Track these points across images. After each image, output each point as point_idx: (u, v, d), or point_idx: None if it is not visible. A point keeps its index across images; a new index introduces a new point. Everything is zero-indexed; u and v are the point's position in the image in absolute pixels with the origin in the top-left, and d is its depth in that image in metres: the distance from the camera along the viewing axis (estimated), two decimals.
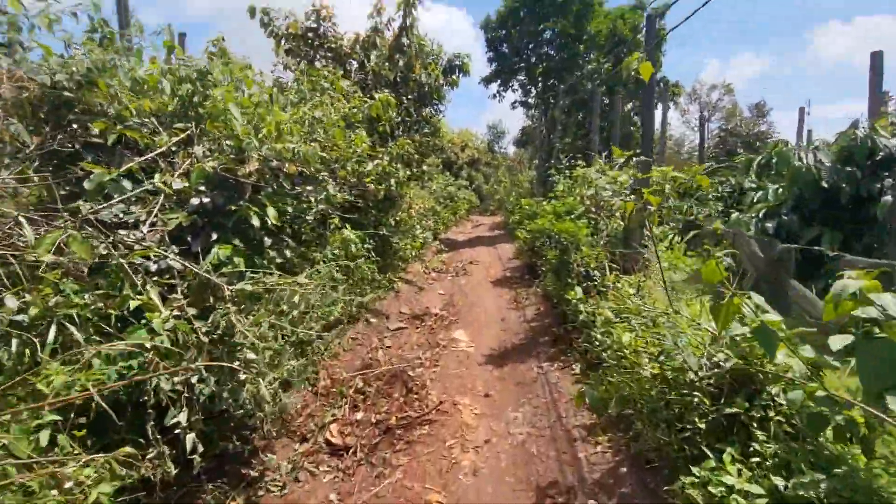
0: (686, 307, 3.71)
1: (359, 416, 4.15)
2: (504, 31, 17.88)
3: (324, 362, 5.17)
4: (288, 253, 3.93)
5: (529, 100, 19.10)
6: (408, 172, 7.42)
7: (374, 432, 3.93)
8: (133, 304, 2.69)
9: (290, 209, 4.21)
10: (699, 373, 2.59)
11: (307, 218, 4.60)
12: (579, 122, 17.61)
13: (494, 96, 19.19)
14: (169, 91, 3.71)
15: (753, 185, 8.99)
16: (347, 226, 5.52)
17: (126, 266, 2.78)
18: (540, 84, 18.21)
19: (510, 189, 23.36)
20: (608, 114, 15.71)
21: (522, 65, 18.41)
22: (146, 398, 2.64)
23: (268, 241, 4.04)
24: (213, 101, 3.66)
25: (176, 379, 2.77)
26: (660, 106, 18.81)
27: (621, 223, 6.30)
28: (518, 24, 17.40)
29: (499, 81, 18.90)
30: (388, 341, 6.35)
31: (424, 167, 12.48)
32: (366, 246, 7.37)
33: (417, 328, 6.99)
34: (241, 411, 2.80)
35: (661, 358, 2.91)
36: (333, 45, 8.04)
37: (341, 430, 3.89)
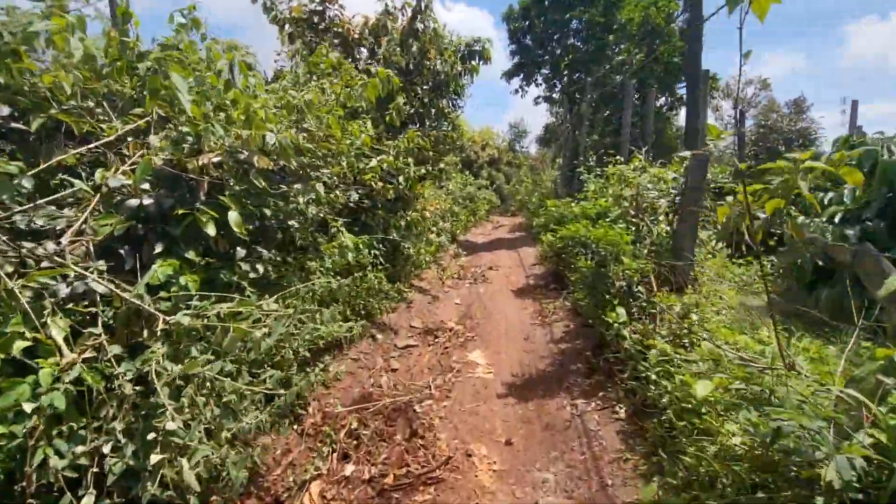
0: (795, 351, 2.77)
1: (349, 469, 3.34)
2: (527, 22, 16.90)
3: (315, 391, 4.40)
4: (261, 267, 3.16)
5: (554, 95, 18.07)
6: (421, 171, 6.64)
7: (366, 494, 3.12)
8: (18, 346, 1.94)
9: (268, 212, 3.44)
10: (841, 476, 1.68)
11: (294, 223, 3.82)
12: (607, 117, 16.51)
13: (517, 91, 18.24)
14: (108, 64, 2.98)
15: (811, 186, 7.88)
16: (343, 231, 4.73)
17: (16, 291, 2.03)
18: (565, 78, 17.17)
19: (532, 189, 22.34)
20: (640, 108, 14.62)
21: (547, 57, 17.39)
22: (34, 478, 1.89)
23: (241, 252, 3.28)
24: (156, 73, 2.91)
25: (79, 449, 2.00)
26: None
27: (667, 229, 5.34)
28: (543, 14, 16.41)
29: (521, 76, 17.92)
30: (395, 362, 5.55)
31: (441, 165, 11.68)
32: (373, 252, 6.61)
33: (430, 345, 6.17)
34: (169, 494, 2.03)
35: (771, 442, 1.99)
36: (340, 30, 7.28)
37: (324, 492, 3.09)
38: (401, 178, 5.42)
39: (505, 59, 18.37)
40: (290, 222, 3.67)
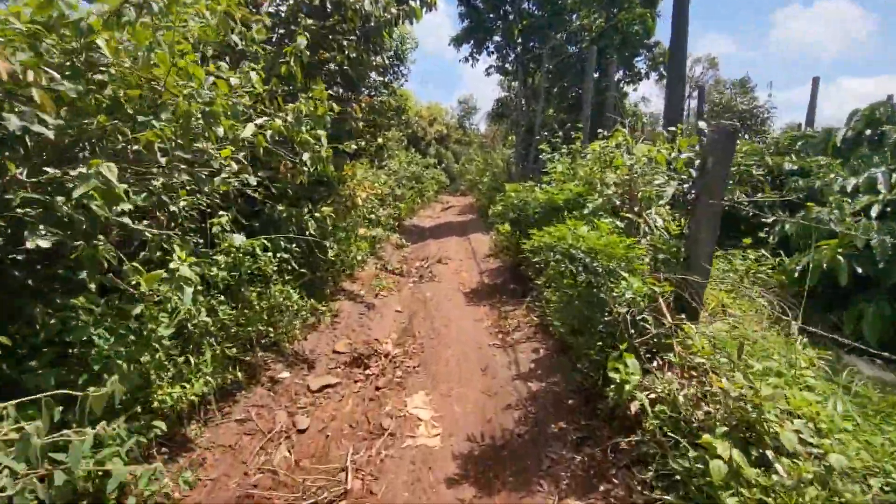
0: None
1: None
2: None
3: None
4: None
5: (507, 65, 16.48)
6: (352, 146, 4.94)
7: None
8: None
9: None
10: None
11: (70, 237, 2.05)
12: (563, 90, 15.22)
13: (466, 60, 16.44)
14: None
15: (795, 168, 6.90)
16: (229, 229, 3.00)
17: None
18: (519, 46, 15.60)
19: (483, 169, 20.93)
20: (599, 81, 13.38)
21: (499, 23, 15.71)
22: None
23: None
24: None
25: None
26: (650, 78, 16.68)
27: (674, 226, 4.00)
28: None
29: (472, 42, 16.15)
30: (303, 418, 3.92)
31: (380, 141, 9.90)
32: (280, 256, 4.86)
33: (356, 383, 4.58)
34: None
35: None
36: None
37: None
38: (306, 157, 3.69)
39: (455, 22, 16.32)
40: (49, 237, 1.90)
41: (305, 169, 3.78)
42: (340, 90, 7.17)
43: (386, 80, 11.31)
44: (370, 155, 9.05)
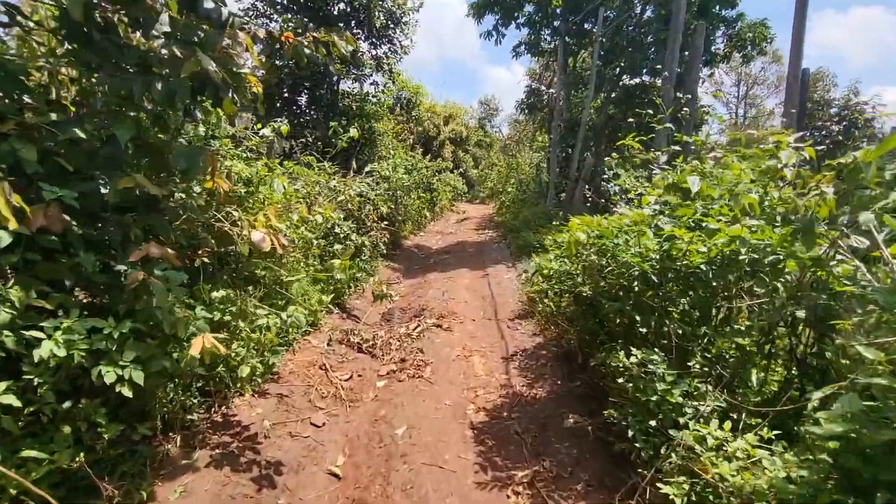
0: None
1: None
2: None
3: None
4: None
5: (542, 42, 12.83)
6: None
7: None
8: None
9: None
10: None
11: None
12: (621, 70, 11.47)
13: (489, 35, 12.82)
14: None
15: None
16: None
17: None
18: (559, 17, 11.97)
19: (507, 174, 17.29)
20: (689, 44, 9.47)
21: None
22: None
23: None
24: None
25: None
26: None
27: None
28: None
29: (498, 13, 12.53)
30: None
31: (354, 133, 6.40)
32: None
33: None
34: None
35: None
36: None
37: None
38: None
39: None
40: None
41: None
42: None
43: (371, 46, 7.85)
44: (339, 154, 5.58)
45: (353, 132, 6.18)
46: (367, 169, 8.42)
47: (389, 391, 4.24)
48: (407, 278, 8.72)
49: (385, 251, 9.27)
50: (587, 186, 9.27)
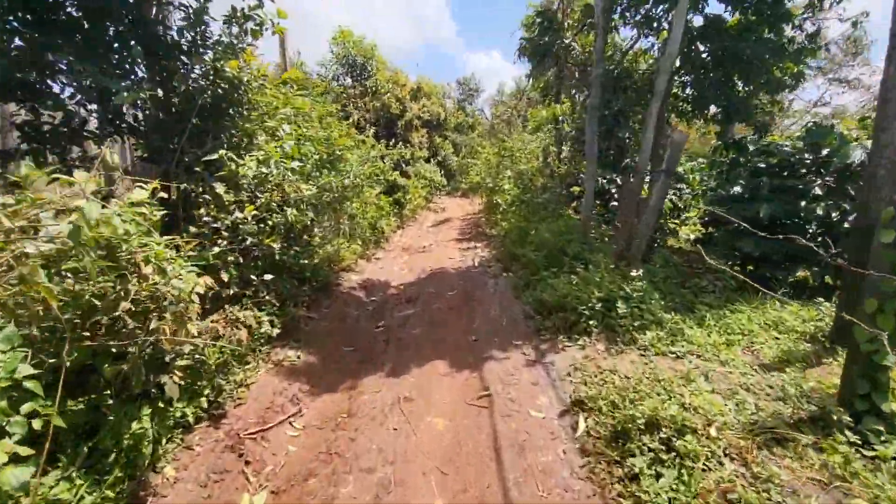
0: None
1: None
2: None
3: None
4: None
5: None
6: None
7: None
8: None
9: None
10: None
11: None
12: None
13: None
14: None
15: None
16: None
17: None
18: None
19: (498, 165, 12.59)
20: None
21: None
22: None
23: None
24: None
25: None
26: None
27: None
28: None
29: None
30: None
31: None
32: None
33: None
34: None
35: None
36: None
37: None
38: None
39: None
40: None
41: None
42: None
43: None
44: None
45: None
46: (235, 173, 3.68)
47: None
48: (313, 399, 4.05)
49: (275, 330, 4.60)
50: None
